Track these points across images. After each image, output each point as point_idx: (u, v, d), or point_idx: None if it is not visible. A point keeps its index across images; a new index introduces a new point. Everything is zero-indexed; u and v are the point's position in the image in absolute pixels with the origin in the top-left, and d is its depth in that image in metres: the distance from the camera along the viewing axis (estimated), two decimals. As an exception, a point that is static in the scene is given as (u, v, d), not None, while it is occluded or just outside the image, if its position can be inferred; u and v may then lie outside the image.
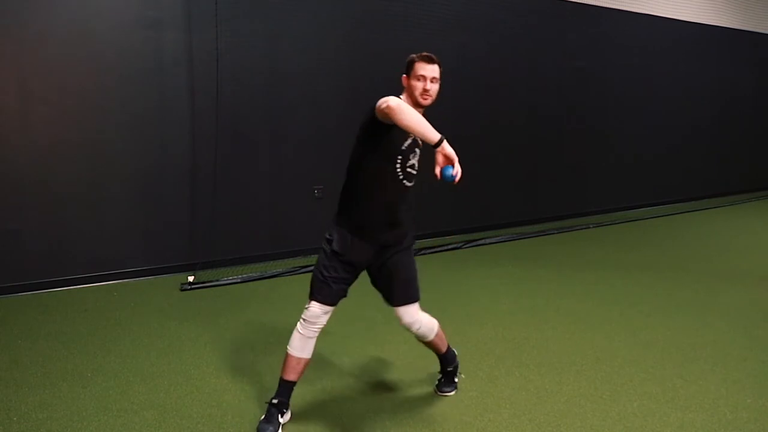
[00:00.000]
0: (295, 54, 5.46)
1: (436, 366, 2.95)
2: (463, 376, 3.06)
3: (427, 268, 5.07)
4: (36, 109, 4.47)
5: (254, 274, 4.99)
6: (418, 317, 2.69)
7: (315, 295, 2.55)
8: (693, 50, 9.20)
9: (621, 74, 8.26)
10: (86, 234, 4.72)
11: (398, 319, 2.68)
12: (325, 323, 2.58)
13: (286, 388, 2.60)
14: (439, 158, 2.22)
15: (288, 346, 2.60)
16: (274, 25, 5.32)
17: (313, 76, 5.59)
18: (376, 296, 2.70)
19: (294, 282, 4.88)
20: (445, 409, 2.80)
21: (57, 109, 4.54)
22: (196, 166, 5.08)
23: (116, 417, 2.68)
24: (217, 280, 4.79)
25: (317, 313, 2.54)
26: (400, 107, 2.20)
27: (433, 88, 2.46)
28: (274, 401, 2.57)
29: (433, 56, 2.48)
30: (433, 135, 2.20)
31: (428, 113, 2.54)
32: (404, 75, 2.50)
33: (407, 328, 2.70)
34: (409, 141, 2.46)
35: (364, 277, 2.67)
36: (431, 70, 2.45)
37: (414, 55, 2.49)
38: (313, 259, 2.86)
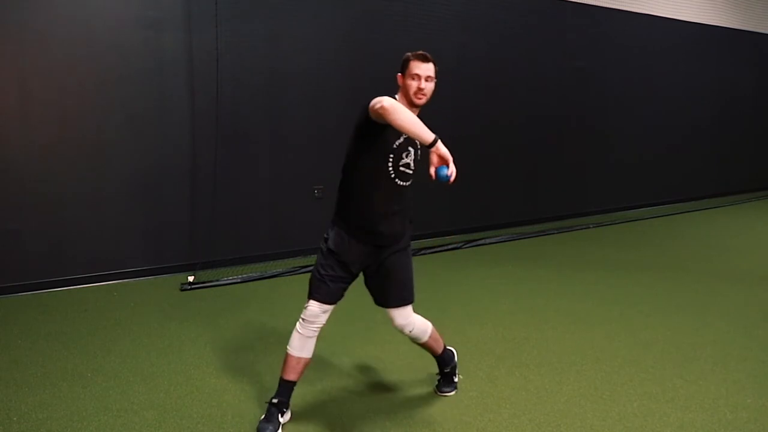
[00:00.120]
0: (295, 54, 5.46)
1: (435, 366, 2.95)
2: (461, 376, 3.06)
3: (427, 268, 5.10)
4: (36, 109, 4.47)
5: (254, 274, 4.99)
6: (411, 319, 2.68)
7: (313, 294, 2.55)
8: (693, 50, 9.20)
9: (621, 74, 8.26)
10: (86, 234, 4.72)
11: (391, 321, 2.68)
12: (324, 322, 2.58)
13: (286, 387, 2.60)
14: (434, 158, 2.21)
15: (288, 346, 2.60)
16: (274, 25, 5.32)
17: (313, 76, 5.59)
18: (370, 295, 2.70)
19: (294, 282, 4.88)
20: (444, 409, 2.80)
21: (57, 109, 4.54)
22: (196, 166, 5.09)
23: (116, 417, 2.68)
24: (217, 280, 4.79)
25: (316, 312, 2.54)
26: (393, 107, 2.19)
27: (428, 87, 2.45)
28: (274, 401, 2.57)
29: (427, 55, 2.47)
30: (427, 135, 2.18)
31: (427, 113, 2.53)
32: (399, 74, 2.50)
33: (400, 330, 2.70)
34: (400, 140, 2.45)
35: (361, 278, 2.67)
36: (426, 69, 2.43)
37: (409, 54, 2.48)
38: (313, 259, 2.86)
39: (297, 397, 2.74)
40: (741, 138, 10.33)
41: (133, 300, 4.38)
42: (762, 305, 4.34)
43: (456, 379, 2.98)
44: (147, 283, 4.83)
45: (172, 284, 4.75)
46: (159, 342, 3.56)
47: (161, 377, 3.09)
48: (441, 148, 2.18)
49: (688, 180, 9.51)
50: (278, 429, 2.53)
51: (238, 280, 4.87)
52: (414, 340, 2.77)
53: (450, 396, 2.92)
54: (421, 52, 2.48)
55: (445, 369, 2.92)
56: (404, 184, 2.54)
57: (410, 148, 2.51)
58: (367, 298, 2.80)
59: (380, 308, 2.71)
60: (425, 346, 2.81)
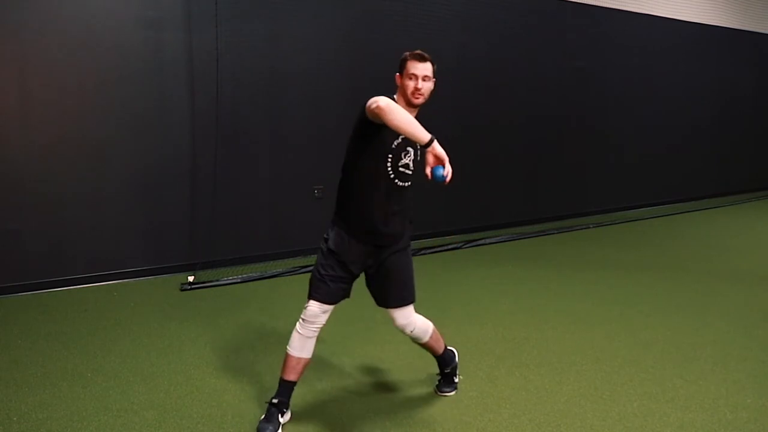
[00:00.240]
0: (295, 54, 5.46)
1: (435, 366, 2.95)
2: (461, 377, 3.06)
3: (427, 268, 5.10)
4: (36, 109, 4.47)
5: (254, 274, 4.99)
6: (412, 319, 2.68)
7: (313, 294, 2.55)
8: (693, 50, 9.20)
9: (621, 74, 8.26)
10: (86, 234, 4.72)
11: (392, 321, 2.68)
12: (324, 323, 2.58)
13: (286, 388, 2.60)
14: (430, 158, 2.21)
15: (288, 346, 2.59)
16: (274, 25, 5.32)
17: (313, 76, 5.59)
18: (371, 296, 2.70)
19: (294, 282, 4.88)
20: (444, 409, 2.80)
21: (57, 109, 4.54)
22: (196, 166, 5.09)
23: (116, 417, 2.68)
24: (217, 280, 4.79)
25: (316, 312, 2.54)
26: (389, 107, 2.19)
27: (425, 86, 2.44)
28: (274, 401, 2.56)
29: (425, 54, 2.46)
30: (423, 135, 2.18)
31: (427, 113, 2.53)
32: (398, 73, 2.50)
33: (401, 330, 2.70)
34: (398, 140, 2.45)
35: (362, 277, 2.67)
36: (423, 69, 2.43)
37: (407, 53, 2.48)
38: (313, 259, 2.86)
39: (297, 397, 2.74)
40: (741, 138, 10.33)
41: (133, 300, 4.38)
42: (762, 305, 4.34)
43: (456, 380, 2.98)
44: (147, 283, 4.83)
45: (172, 284, 4.75)
46: (159, 342, 3.56)
47: (161, 377, 3.09)
48: (437, 148, 2.18)
49: (688, 180, 9.51)
50: (278, 429, 2.53)
51: (238, 280, 4.87)
52: (415, 341, 2.77)
53: (450, 396, 2.92)
54: (418, 51, 2.47)
55: (446, 369, 2.92)
56: (404, 184, 2.54)
57: (409, 149, 2.50)
58: (367, 298, 2.80)
59: (380, 308, 2.71)
60: (426, 346, 2.81)
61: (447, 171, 2.19)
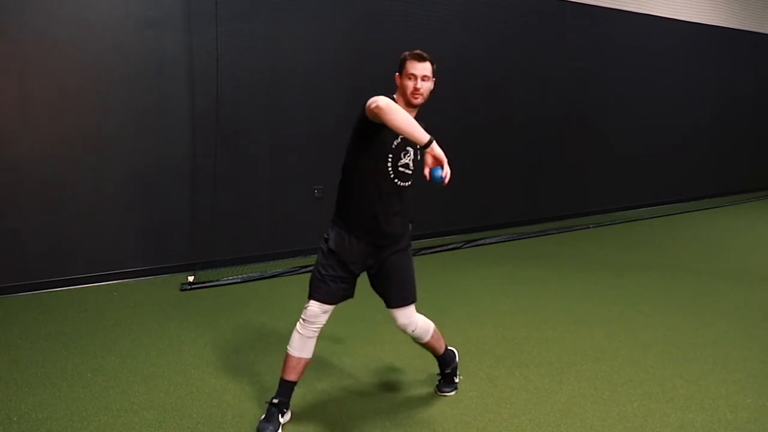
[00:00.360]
0: (295, 54, 5.46)
1: (436, 366, 2.94)
2: (461, 377, 3.06)
3: (427, 268, 5.10)
4: (36, 109, 4.47)
5: (254, 274, 4.99)
6: (413, 319, 2.68)
7: (314, 294, 2.54)
8: (693, 50, 9.21)
9: (621, 74, 8.26)
10: (86, 234, 4.72)
11: (393, 321, 2.68)
12: (324, 323, 2.58)
13: (286, 388, 2.60)
14: (428, 159, 2.20)
15: (288, 346, 2.59)
16: (274, 25, 5.33)
17: (313, 76, 5.59)
18: (376, 296, 2.70)
19: (294, 282, 4.88)
20: (445, 409, 2.80)
21: (57, 109, 4.54)
22: (196, 166, 5.09)
23: (116, 417, 2.68)
24: (217, 280, 4.79)
25: (316, 312, 2.54)
26: (389, 107, 2.19)
27: (424, 86, 2.44)
28: (275, 401, 2.56)
29: (424, 54, 2.45)
30: (422, 136, 2.17)
31: (427, 113, 2.53)
32: (397, 73, 2.50)
33: (402, 330, 2.70)
34: (398, 140, 2.45)
35: (363, 277, 2.68)
36: (422, 69, 2.42)
37: (406, 53, 2.48)
38: (313, 259, 2.86)
39: (297, 397, 2.74)
40: (741, 138, 10.33)
41: (133, 300, 4.38)
42: (762, 305, 4.34)
43: (456, 380, 2.97)
44: (147, 283, 4.83)
45: (172, 284, 4.75)
46: (159, 342, 3.56)
47: (161, 377, 3.09)
48: (435, 149, 2.18)
49: (688, 180, 9.51)
50: (278, 429, 2.53)
51: (238, 280, 4.87)
52: (416, 340, 2.77)
53: (450, 396, 2.92)
54: (417, 51, 2.46)
55: (446, 369, 2.92)
56: (404, 184, 2.54)
57: (409, 149, 2.50)
58: (367, 298, 2.80)
59: (381, 308, 2.71)
60: (427, 346, 2.81)
61: (446, 172, 2.19)
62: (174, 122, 4.99)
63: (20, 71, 4.39)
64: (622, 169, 8.44)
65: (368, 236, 2.53)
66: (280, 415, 2.56)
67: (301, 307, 2.58)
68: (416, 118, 2.41)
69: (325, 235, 2.59)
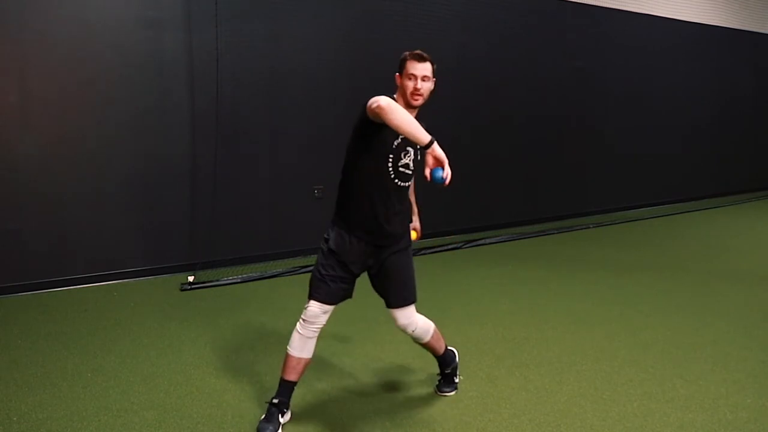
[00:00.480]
0: (295, 54, 5.47)
1: (435, 366, 2.95)
2: (461, 377, 3.06)
3: (427, 268, 5.10)
4: (36, 109, 4.47)
5: (254, 274, 4.99)
6: (413, 319, 2.68)
7: (314, 295, 2.54)
8: (693, 50, 9.21)
9: (621, 74, 8.26)
10: (86, 234, 4.72)
11: (393, 321, 2.68)
12: (324, 323, 2.58)
13: (286, 388, 2.60)
14: (429, 160, 2.19)
15: (288, 346, 2.59)
16: (274, 25, 5.33)
17: (313, 76, 5.59)
18: (376, 296, 2.70)
19: (294, 282, 4.88)
20: (445, 409, 2.80)
21: (57, 109, 4.54)
22: (196, 166, 5.09)
23: (116, 417, 2.68)
24: (217, 280, 4.79)
25: (316, 312, 2.54)
26: (390, 107, 2.18)
27: (424, 86, 2.43)
28: (275, 401, 2.56)
29: (424, 54, 2.45)
30: (423, 136, 2.17)
31: (427, 113, 2.53)
32: (397, 73, 2.49)
33: (402, 330, 2.70)
34: (398, 140, 2.44)
35: (364, 277, 2.68)
36: (422, 69, 2.42)
37: (406, 53, 2.47)
38: (313, 259, 2.86)
39: (297, 397, 2.74)
40: (741, 138, 10.33)
41: (133, 300, 4.38)
42: (762, 305, 4.34)
43: (456, 380, 2.97)
44: (147, 283, 4.83)
45: (172, 284, 4.75)
46: (159, 342, 3.56)
47: (161, 377, 3.09)
48: (437, 149, 2.17)
49: (688, 180, 9.51)
50: (278, 429, 2.53)
51: (238, 280, 4.87)
52: (416, 340, 2.77)
53: (450, 396, 2.92)
54: (417, 51, 2.46)
55: (446, 370, 2.92)
56: (404, 184, 2.54)
57: (409, 149, 2.50)
58: (367, 298, 2.80)
59: (381, 308, 2.71)
60: (427, 346, 2.80)
61: (447, 173, 2.18)
62: (174, 122, 4.99)
63: (20, 71, 4.39)
64: (622, 169, 8.45)
65: (368, 236, 2.53)
66: (280, 415, 2.56)
67: (301, 307, 2.58)
68: (416, 118, 2.40)
69: (325, 235, 2.59)
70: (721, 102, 9.86)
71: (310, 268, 2.67)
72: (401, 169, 2.50)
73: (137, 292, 4.59)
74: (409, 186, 2.59)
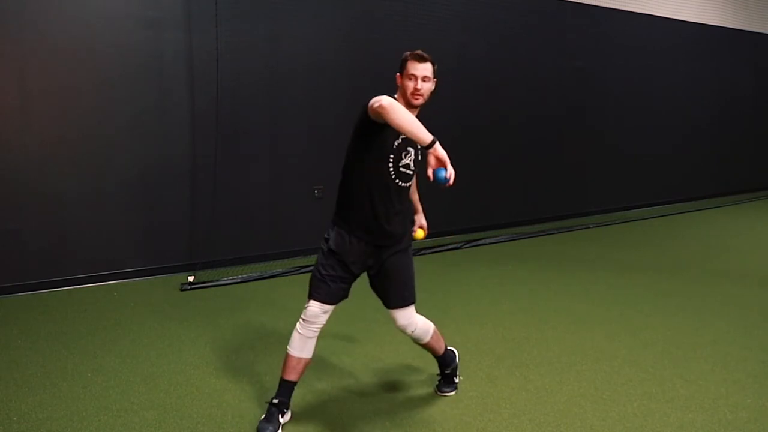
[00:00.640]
0: (295, 54, 5.47)
1: (435, 366, 2.94)
2: (461, 377, 3.06)
3: (427, 268, 5.10)
4: (36, 109, 4.47)
5: (254, 274, 4.99)
6: (413, 320, 2.68)
7: (314, 294, 2.54)
8: (693, 50, 9.21)
9: (621, 74, 8.26)
10: (86, 234, 4.72)
11: (393, 321, 2.68)
12: (324, 323, 2.58)
13: (286, 388, 2.60)
14: (431, 160, 2.18)
15: (288, 346, 2.59)
16: (274, 25, 5.33)
17: (313, 76, 5.59)
18: (376, 296, 2.70)
19: (294, 282, 4.88)
20: (445, 409, 2.80)
21: (57, 109, 4.54)
22: (196, 166, 5.09)
23: (116, 417, 2.68)
24: (217, 280, 4.79)
25: (316, 312, 2.54)
26: (392, 107, 2.18)
27: (425, 87, 2.43)
28: (275, 401, 2.56)
29: (424, 55, 2.45)
30: (425, 136, 2.15)
31: (427, 113, 2.53)
32: (398, 73, 2.49)
33: (402, 331, 2.70)
34: (399, 140, 2.44)
35: (364, 277, 2.68)
36: (422, 69, 2.42)
37: (407, 53, 2.47)
38: (313, 259, 2.86)
39: (297, 397, 2.74)
40: (741, 138, 10.33)
41: (133, 300, 4.38)
42: (762, 305, 4.34)
43: (456, 380, 2.97)
44: (147, 283, 4.83)
45: (172, 284, 4.75)
46: (159, 342, 3.56)
47: (161, 377, 3.09)
48: (439, 149, 2.15)
49: (688, 180, 9.51)
50: (278, 429, 2.53)
51: (238, 280, 4.87)
52: (416, 341, 2.77)
53: (450, 396, 2.92)
54: (418, 51, 2.46)
55: (446, 370, 2.92)
56: (405, 184, 2.54)
57: (410, 149, 2.50)
58: (368, 298, 2.80)
59: (381, 308, 2.71)
60: (427, 346, 2.80)
61: (449, 173, 2.17)
62: (174, 122, 4.99)
63: (20, 71, 4.39)
64: (622, 169, 8.45)
65: (369, 236, 2.53)
66: (280, 415, 2.56)
67: (301, 307, 2.58)
68: (417, 118, 2.40)
69: (326, 235, 2.58)
70: (721, 102, 9.86)
71: (310, 268, 2.67)
72: (402, 169, 2.50)
73: (137, 292, 4.59)
74: (410, 186, 2.59)
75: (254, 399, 2.85)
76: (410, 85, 2.42)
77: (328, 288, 2.52)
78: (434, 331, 2.78)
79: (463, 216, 6.83)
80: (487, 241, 6.50)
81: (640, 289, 4.73)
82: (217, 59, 4.95)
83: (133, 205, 4.90)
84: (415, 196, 2.88)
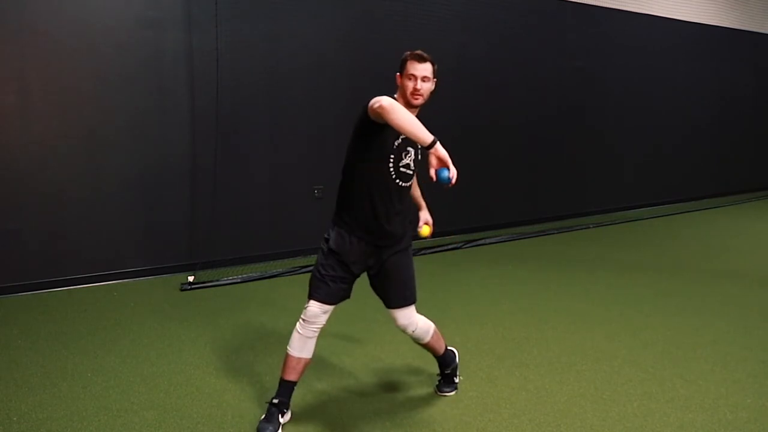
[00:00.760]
0: (295, 54, 5.47)
1: (436, 366, 2.94)
2: (461, 377, 3.06)
3: (427, 268, 5.10)
4: (36, 109, 4.47)
5: (254, 274, 4.99)
6: (413, 319, 2.68)
7: (313, 294, 2.54)
8: (693, 50, 9.21)
9: (621, 74, 8.26)
10: (86, 234, 4.72)
11: (393, 321, 2.68)
12: (324, 323, 2.57)
13: (286, 388, 2.60)
14: (433, 160, 2.18)
15: (288, 346, 2.59)
16: (274, 25, 5.33)
17: (313, 76, 5.59)
18: (377, 296, 2.70)
19: (294, 282, 4.88)
20: (445, 409, 2.80)
21: (57, 110, 4.55)
22: (196, 166, 5.09)
23: (116, 417, 2.68)
24: (217, 280, 4.79)
25: (316, 312, 2.53)
26: (392, 107, 2.18)
27: (424, 87, 2.43)
28: (275, 401, 2.56)
29: (424, 55, 2.44)
30: (426, 136, 2.15)
31: (427, 113, 2.53)
32: (398, 73, 2.49)
33: (402, 331, 2.70)
34: (399, 140, 2.44)
35: (364, 277, 2.68)
36: (422, 69, 2.42)
37: (407, 53, 2.47)
38: (313, 259, 2.86)
39: (297, 397, 2.74)
40: (741, 138, 10.33)
41: (133, 300, 4.38)
42: (762, 305, 4.34)
43: (456, 380, 2.97)
44: (147, 283, 4.83)
45: (172, 284, 4.75)
46: (159, 342, 3.56)
47: (161, 377, 3.09)
48: (440, 149, 2.15)
49: (688, 180, 9.51)
50: (278, 429, 2.53)
51: (238, 280, 4.87)
52: (416, 341, 2.77)
53: (450, 396, 2.92)
54: (418, 51, 2.46)
55: (446, 370, 2.92)
56: (405, 184, 2.54)
57: (410, 149, 2.50)
58: (368, 298, 2.80)
59: (381, 308, 2.71)
60: (427, 346, 2.80)
61: (452, 173, 2.16)
62: (174, 122, 4.99)
63: (20, 71, 4.39)
64: (622, 169, 8.45)
65: (369, 236, 2.53)
66: (280, 415, 2.56)
67: (301, 307, 2.58)
68: (417, 118, 2.40)
69: (326, 235, 2.58)
70: (721, 102, 9.86)
71: (310, 268, 2.67)
72: (402, 169, 2.50)
73: (137, 292, 4.59)
74: (410, 185, 2.59)
75: (254, 399, 2.85)
76: (410, 85, 2.42)
77: (328, 288, 2.52)
78: (435, 331, 2.78)
79: (463, 216, 6.83)
80: (487, 241, 6.50)
81: (640, 289, 4.73)
82: (217, 59, 4.95)
83: (133, 205, 4.90)
84: (417, 192, 2.87)
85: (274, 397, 2.58)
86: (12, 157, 4.42)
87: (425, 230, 2.80)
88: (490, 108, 6.91)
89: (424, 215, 2.89)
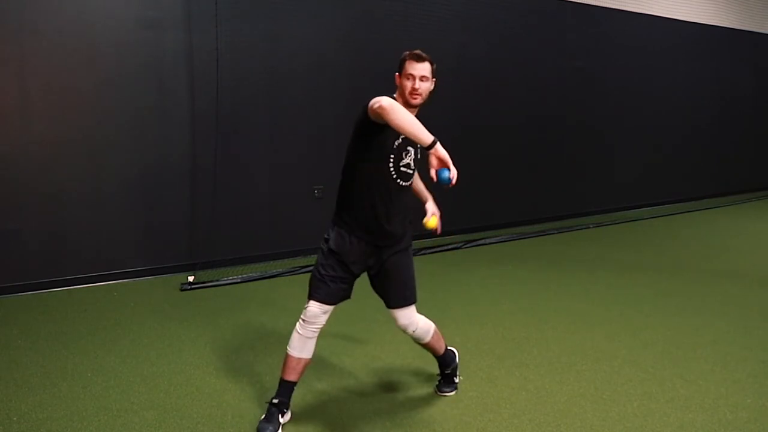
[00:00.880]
0: (295, 54, 5.47)
1: (436, 366, 2.95)
2: (461, 377, 3.06)
3: (427, 268, 5.10)
4: (36, 109, 4.47)
5: (254, 274, 4.99)
6: (414, 319, 2.68)
7: (313, 295, 2.54)
8: (693, 50, 9.21)
9: (621, 74, 8.26)
10: (86, 234, 4.72)
11: (394, 321, 2.68)
12: (324, 323, 2.57)
13: (286, 388, 2.60)
14: (433, 160, 2.17)
15: (288, 347, 2.59)
16: (274, 25, 5.33)
17: (313, 76, 5.59)
18: (376, 296, 2.70)
19: (294, 282, 4.88)
20: (444, 409, 2.80)
21: (57, 109, 4.54)
22: (196, 166, 5.09)
23: (116, 417, 2.68)
24: (217, 280, 4.79)
25: (316, 312, 2.53)
26: (392, 107, 2.18)
27: (423, 86, 2.43)
28: (275, 401, 2.56)
29: (422, 54, 2.44)
30: (426, 137, 2.15)
31: (427, 113, 2.53)
32: (397, 73, 2.49)
33: (403, 331, 2.70)
34: (399, 140, 2.45)
35: (364, 277, 2.68)
36: (420, 69, 2.42)
37: (406, 53, 2.47)
38: (313, 259, 2.86)
39: (297, 397, 2.74)
40: (741, 138, 10.33)
41: (133, 300, 4.38)
42: (762, 305, 4.34)
43: (456, 380, 2.97)
44: (147, 283, 4.83)
45: (172, 284, 4.75)
46: (159, 342, 3.56)
47: (161, 377, 3.09)
48: (440, 150, 2.15)
49: (688, 180, 9.51)
50: (278, 429, 2.53)
51: (238, 280, 4.87)
52: (416, 341, 2.77)
53: (450, 396, 2.92)
54: (416, 51, 2.46)
55: (446, 370, 2.92)
56: (405, 184, 2.54)
57: (410, 148, 2.51)
58: (368, 298, 2.80)
59: (381, 308, 2.71)
60: (427, 346, 2.80)
61: (453, 173, 2.16)
62: (174, 122, 4.99)
63: (20, 71, 4.39)
64: (622, 169, 8.44)
65: (369, 236, 2.53)
66: (280, 415, 2.56)
67: (301, 307, 2.58)
68: (416, 118, 2.40)
69: (326, 235, 2.58)
70: (721, 102, 9.85)
71: (310, 268, 2.67)
72: (402, 168, 2.50)
73: (137, 292, 4.59)
74: (410, 185, 2.59)
75: (254, 399, 2.85)
76: (408, 84, 2.42)
77: (328, 288, 2.52)
78: (435, 331, 2.78)
79: (463, 216, 6.82)
80: (487, 241, 6.50)
81: (640, 289, 4.73)
82: (217, 59, 4.95)
83: (133, 205, 4.90)
84: (420, 186, 2.82)
85: (274, 397, 2.58)
86: (12, 157, 4.42)
87: (432, 221, 2.64)
88: (490, 108, 6.91)
89: (431, 207, 2.78)
